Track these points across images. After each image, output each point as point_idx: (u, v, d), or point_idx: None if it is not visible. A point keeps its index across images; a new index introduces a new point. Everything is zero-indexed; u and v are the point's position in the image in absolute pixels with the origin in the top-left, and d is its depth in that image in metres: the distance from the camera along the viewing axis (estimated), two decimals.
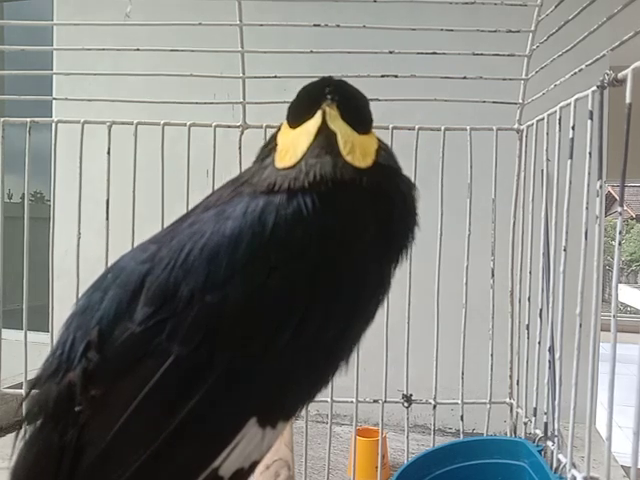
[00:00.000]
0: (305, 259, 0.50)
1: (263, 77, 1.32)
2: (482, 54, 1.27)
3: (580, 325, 0.92)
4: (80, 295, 0.58)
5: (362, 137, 0.56)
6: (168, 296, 0.49)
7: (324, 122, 0.54)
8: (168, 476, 0.48)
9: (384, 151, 0.57)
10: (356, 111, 0.57)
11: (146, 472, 0.46)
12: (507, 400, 1.34)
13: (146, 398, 0.47)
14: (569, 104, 1.00)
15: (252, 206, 0.51)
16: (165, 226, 0.60)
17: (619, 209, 0.83)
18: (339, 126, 0.54)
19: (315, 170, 0.51)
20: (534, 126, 1.23)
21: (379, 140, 0.59)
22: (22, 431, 0.52)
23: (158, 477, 0.47)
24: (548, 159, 1.11)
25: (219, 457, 0.48)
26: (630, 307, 8.14)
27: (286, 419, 0.53)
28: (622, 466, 2.02)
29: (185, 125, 1.32)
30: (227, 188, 0.57)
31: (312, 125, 0.54)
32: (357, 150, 0.54)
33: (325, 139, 0.53)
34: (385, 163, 0.56)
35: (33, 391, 0.53)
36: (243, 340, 0.49)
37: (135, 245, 0.59)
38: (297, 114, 0.57)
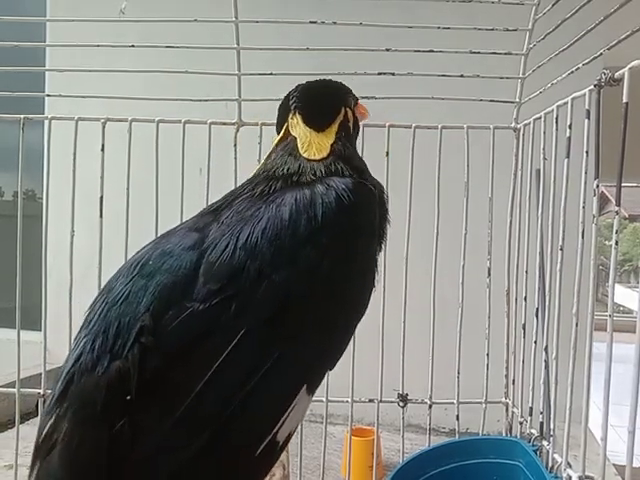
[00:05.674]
0: (350, 240, 0.60)
1: (259, 74, 1.31)
2: (479, 52, 1.27)
3: (576, 324, 0.92)
4: (104, 284, 0.61)
5: (320, 135, 0.72)
6: (233, 274, 0.53)
7: (287, 130, 0.75)
8: (240, 443, 0.51)
9: (340, 143, 0.73)
10: (317, 113, 0.74)
11: (217, 444, 0.49)
12: (503, 400, 1.34)
13: (219, 371, 0.50)
14: (566, 103, 1.00)
15: (300, 195, 0.61)
16: (183, 219, 0.68)
17: (616, 208, 0.83)
18: (298, 131, 0.73)
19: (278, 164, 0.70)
20: (531, 124, 1.23)
21: (338, 134, 0.74)
22: (63, 428, 0.51)
23: (229, 446, 0.50)
24: (545, 158, 1.11)
25: (279, 422, 0.53)
26: (622, 307, 8.19)
27: (318, 387, 0.60)
28: (614, 464, 2.02)
29: (180, 122, 1.31)
30: (253, 186, 0.67)
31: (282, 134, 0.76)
32: (313, 147, 0.71)
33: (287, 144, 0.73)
34: (338, 153, 0.71)
35: (57, 387, 0.54)
36: (306, 314, 0.55)
37: (141, 239, 0.64)
38: (278, 125, 0.79)
